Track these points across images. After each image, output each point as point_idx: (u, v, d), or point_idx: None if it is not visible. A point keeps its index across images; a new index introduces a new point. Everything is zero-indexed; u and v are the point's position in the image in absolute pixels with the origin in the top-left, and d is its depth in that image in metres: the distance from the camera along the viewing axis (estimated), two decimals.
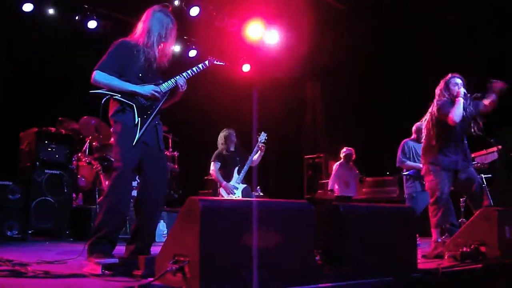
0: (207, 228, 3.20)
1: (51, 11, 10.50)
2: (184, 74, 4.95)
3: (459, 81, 6.56)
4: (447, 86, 6.58)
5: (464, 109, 6.49)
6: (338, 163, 11.23)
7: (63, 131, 8.84)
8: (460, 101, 6.39)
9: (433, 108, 6.64)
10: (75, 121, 9.25)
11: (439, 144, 6.57)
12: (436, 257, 5.82)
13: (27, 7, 10.11)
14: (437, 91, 6.69)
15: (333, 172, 11.16)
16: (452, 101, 6.47)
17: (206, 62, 5.19)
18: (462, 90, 6.44)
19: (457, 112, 6.37)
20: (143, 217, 4.73)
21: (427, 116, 6.75)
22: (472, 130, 6.63)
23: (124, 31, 5.05)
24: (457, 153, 6.55)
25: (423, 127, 6.91)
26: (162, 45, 4.84)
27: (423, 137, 6.86)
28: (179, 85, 4.85)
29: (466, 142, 6.70)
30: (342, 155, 11.28)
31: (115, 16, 11.15)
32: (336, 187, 10.96)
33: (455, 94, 6.48)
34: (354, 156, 11.26)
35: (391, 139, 9.51)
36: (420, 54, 11.26)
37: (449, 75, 6.64)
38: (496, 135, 8.41)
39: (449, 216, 6.46)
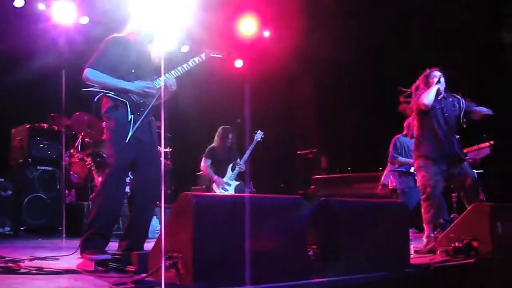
0: (200, 223, 3.20)
1: (41, 6, 10.43)
2: (179, 68, 4.93)
3: (437, 73, 6.60)
4: (426, 79, 6.63)
5: (444, 98, 6.55)
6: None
7: (55, 127, 8.82)
8: (433, 87, 6.47)
9: (413, 101, 6.69)
10: (67, 117, 9.21)
11: (423, 133, 6.61)
12: (429, 252, 5.84)
13: (18, 3, 10.04)
14: (417, 85, 6.72)
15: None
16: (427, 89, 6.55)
17: (203, 56, 5.13)
18: (437, 80, 6.50)
19: (427, 96, 6.43)
20: (137, 213, 4.73)
21: (412, 110, 6.80)
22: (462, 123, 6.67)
23: (116, 27, 5.03)
24: (444, 143, 6.54)
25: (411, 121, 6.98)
26: (153, 41, 4.83)
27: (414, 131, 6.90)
28: (168, 85, 4.81)
29: (456, 136, 6.71)
30: None
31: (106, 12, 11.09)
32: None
33: (430, 84, 6.53)
34: None
35: (384, 134, 9.52)
36: (415, 47, 11.28)
37: (428, 70, 6.67)
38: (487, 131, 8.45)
39: (442, 212, 6.48)
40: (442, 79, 6.55)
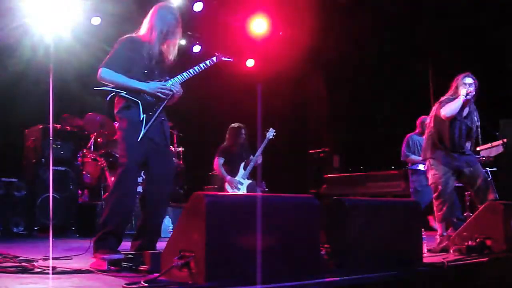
0: (212, 223, 3.21)
1: None
2: (191, 70, 4.94)
3: (469, 80, 6.51)
4: (457, 83, 6.57)
5: (470, 115, 6.51)
6: None
7: (68, 128, 8.86)
8: (459, 99, 6.38)
9: (437, 106, 6.65)
10: (79, 117, 9.25)
11: (439, 141, 6.59)
12: (442, 251, 5.82)
13: None
14: (450, 86, 6.69)
15: None
16: (454, 98, 6.47)
17: (214, 58, 5.17)
18: (465, 91, 6.41)
19: (450, 107, 6.38)
20: (149, 212, 4.74)
21: (432, 111, 6.76)
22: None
23: (128, 28, 5.04)
24: (457, 152, 6.53)
25: (427, 121, 6.92)
26: (166, 42, 4.84)
27: (426, 131, 6.87)
28: (174, 91, 4.81)
29: (469, 144, 6.69)
30: None
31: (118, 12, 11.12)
32: None
33: (459, 92, 6.47)
34: None
35: (396, 133, 9.49)
36: (426, 46, 11.26)
37: (463, 74, 6.59)
38: (502, 127, 8.40)
39: (454, 210, 6.46)
40: (472, 88, 6.48)
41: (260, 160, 8.56)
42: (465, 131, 6.56)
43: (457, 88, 6.53)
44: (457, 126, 6.49)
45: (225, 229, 3.27)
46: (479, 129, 6.68)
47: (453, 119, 6.44)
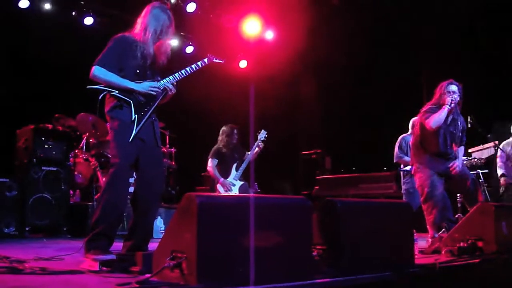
0: (204, 224, 3.20)
1: (47, 6, 10.46)
2: (183, 71, 4.94)
3: (453, 88, 6.53)
4: (441, 91, 6.57)
5: (454, 122, 6.52)
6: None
7: (60, 128, 8.83)
8: (444, 110, 6.40)
9: (421, 115, 6.66)
10: (71, 117, 9.23)
11: (425, 147, 6.61)
12: (434, 252, 5.83)
13: (23, 4, 10.08)
14: (434, 93, 6.69)
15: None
16: (439, 107, 6.47)
17: (205, 60, 5.16)
18: (449, 100, 6.42)
19: (435, 119, 6.39)
20: (140, 213, 4.73)
21: (418, 118, 6.77)
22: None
23: (122, 27, 5.03)
24: (444, 158, 6.55)
25: (411, 124, 6.97)
26: (159, 41, 4.83)
27: (412, 137, 6.91)
28: (168, 89, 4.82)
29: (461, 150, 6.71)
30: None
31: (112, 12, 11.12)
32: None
33: (443, 101, 6.48)
34: None
35: (388, 134, 9.52)
36: (416, 48, 11.29)
37: (447, 81, 6.60)
38: (495, 130, 8.43)
39: (446, 213, 6.47)
40: (456, 95, 6.49)
41: (252, 159, 8.53)
42: (449, 138, 6.58)
43: (441, 96, 6.53)
44: (441, 134, 6.50)
45: (217, 230, 3.27)
46: (464, 133, 6.70)
47: (438, 129, 6.46)
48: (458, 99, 6.50)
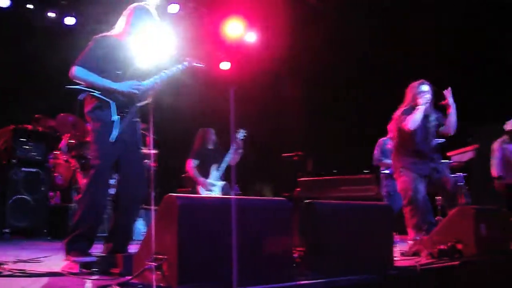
0: (185, 225, 3.20)
1: (28, 6, 10.38)
2: (163, 74, 4.90)
3: (425, 88, 6.54)
4: (413, 93, 6.59)
5: (426, 117, 6.54)
6: (499, 141, 9.28)
7: (40, 129, 8.76)
8: (420, 110, 6.40)
9: (396, 118, 6.68)
10: (51, 118, 9.16)
11: (405, 149, 6.63)
12: (414, 254, 5.86)
13: (3, 3, 9.98)
14: (406, 95, 6.71)
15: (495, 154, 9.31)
16: (413, 108, 6.49)
17: (185, 63, 5.12)
18: (423, 99, 6.45)
19: (412, 119, 6.38)
20: (121, 215, 4.71)
21: (393, 123, 6.78)
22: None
23: (103, 27, 5.00)
24: (424, 159, 6.58)
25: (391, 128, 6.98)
26: (141, 42, 4.81)
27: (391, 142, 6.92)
28: (149, 90, 4.79)
29: (434, 146, 6.72)
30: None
31: (93, 12, 11.04)
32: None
33: (417, 102, 6.48)
34: None
35: (370, 137, 9.55)
36: (401, 50, 11.34)
37: (418, 82, 6.61)
38: (472, 135, 8.52)
39: (427, 216, 6.49)
40: (429, 95, 6.52)
41: (234, 161, 8.50)
42: (426, 136, 6.60)
43: (414, 97, 6.55)
44: (418, 132, 6.53)
45: (198, 232, 3.26)
46: (436, 127, 6.70)
47: (415, 130, 6.48)
48: (431, 97, 6.54)
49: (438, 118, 6.67)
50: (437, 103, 6.63)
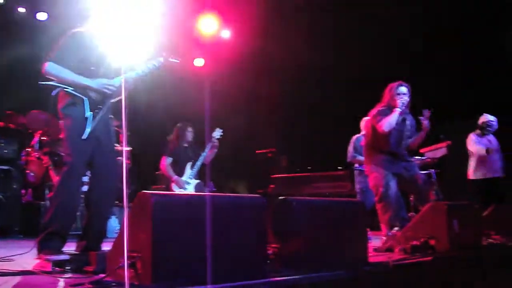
0: (159, 223, 3.18)
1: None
2: (138, 70, 4.87)
3: (403, 90, 6.55)
4: (391, 93, 6.61)
5: (403, 121, 6.59)
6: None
7: (12, 126, 8.66)
8: (395, 113, 6.43)
9: (373, 111, 6.70)
10: (23, 115, 9.06)
11: (378, 147, 6.66)
12: (387, 250, 5.90)
13: None
14: (384, 94, 6.73)
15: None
16: (390, 109, 6.52)
17: (161, 59, 5.08)
18: (400, 102, 6.48)
19: (388, 122, 6.41)
20: (94, 212, 4.67)
21: (369, 116, 6.80)
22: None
23: (77, 22, 4.95)
24: (395, 157, 6.62)
25: (366, 125, 7.01)
26: (115, 38, 4.77)
27: (364, 139, 6.95)
28: (123, 87, 4.76)
29: (406, 145, 6.77)
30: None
31: (65, 7, 10.94)
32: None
33: (394, 104, 6.51)
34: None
35: (344, 134, 9.59)
36: (375, 46, 11.41)
37: (396, 83, 6.62)
38: (444, 131, 8.61)
39: (400, 212, 6.54)
40: (407, 97, 6.55)
41: (209, 159, 8.49)
42: (400, 138, 6.64)
43: (391, 98, 6.56)
44: (393, 135, 6.56)
45: (172, 229, 3.25)
46: (412, 131, 6.76)
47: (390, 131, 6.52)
48: (408, 99, 6.56)
49: (412, 126, 6.72)
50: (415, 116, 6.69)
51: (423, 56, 11.17)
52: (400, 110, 6.42)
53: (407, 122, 6.67)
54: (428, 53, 11.17)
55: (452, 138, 9.05)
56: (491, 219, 7.09)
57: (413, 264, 4.96)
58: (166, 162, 8.44)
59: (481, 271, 5.52)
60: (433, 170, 8.57)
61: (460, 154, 9.46)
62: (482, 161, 9.25)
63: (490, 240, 6.72)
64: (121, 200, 9.30)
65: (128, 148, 10.29)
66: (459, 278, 5.27)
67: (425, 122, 6.55)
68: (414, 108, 6.70)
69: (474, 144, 9.32)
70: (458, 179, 9.97)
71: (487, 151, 9.13)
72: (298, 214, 4.10)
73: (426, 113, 6.57)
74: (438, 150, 8.97)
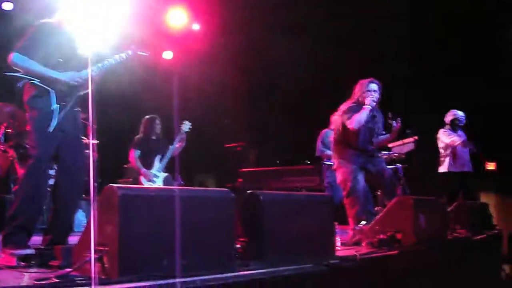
0: (125, 216, 3.17)
1: None
2: (106, 62, 4.83)
3: (374, 87, 6.57)
4: (362, 90, 6.62)
5: (373, 118, 6.63)
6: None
7: None
8: (365, 110, 6.42)
9: (343, 107, 6.71)
10: None
11: (346, 143, 6.68)
12: (355, 244, 5.94)
13: None
14: (354, 91, 6.73)
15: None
16: (359, 106, 6.54)
17: (129, 52, 5.03)
18: (371, 99, 6.47)
19: (357, 119, 6.41)
20: (60, 206, 4.62)
21: (339, 111, 6.80)
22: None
23: (45, 13, 4.88)
24: (363, 153, 6.66)
25: (335, 121, 7.04)
26: (84, 30, 4.71)
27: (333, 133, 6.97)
28: (91, 79, 4.71)
29: (375, 141, 6.82)
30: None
31: None
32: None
33: (364, 101, 6.50)
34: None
35: (312, 128, 9.63)
36: (345, 39, 11.46)
37: (367, 80, 6.61)
38: (413, 123, 8.69)
39: (367, 206, 6.58)
40: (377, 95, 6.57)
41: (177, 152, 8.43)
42: (369, 135, 6.67)
43: (361, 94, 6.56)
44: (362, 131, 6.58)
45: (139, 223, 3.23)
46: (381, 128, 6.81)
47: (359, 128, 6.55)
48: (379, 96, 6.59)
49: (381, 124, 6.75)
50: (386, 119, 6.73)
51: (394, 49, 11.24)
52: (370, 108, 6.42)
53: (377, 119, 6.71)
54: (398, 46, 11.25)
55: (419, 133, 9.14)
56: (456, 214, 7.21)
57: (379, 258, 5.01)
58: (134, 154, 8.38)
59: (446, 264, 5.60)
60: (399, 165, 8.66)
61: (426, 149, 9.58)
62: (456, 154, 9.38)
63: (455, 234, 6.82)
64: (88, 194, 9.23)
65: (96, 141, 10.18)
66: (424, 271, 5.34)
67: (396, 125, 6.58)
68: (383, 104, 6.75)
69: (449, 136, 9.41)
70: (424, 174, 10.09)
71: (464, 143, 9.25)
72: (266, 208, 4.11)
73: (398, 122, 6.59)
74: (405, 145, 9.06)
